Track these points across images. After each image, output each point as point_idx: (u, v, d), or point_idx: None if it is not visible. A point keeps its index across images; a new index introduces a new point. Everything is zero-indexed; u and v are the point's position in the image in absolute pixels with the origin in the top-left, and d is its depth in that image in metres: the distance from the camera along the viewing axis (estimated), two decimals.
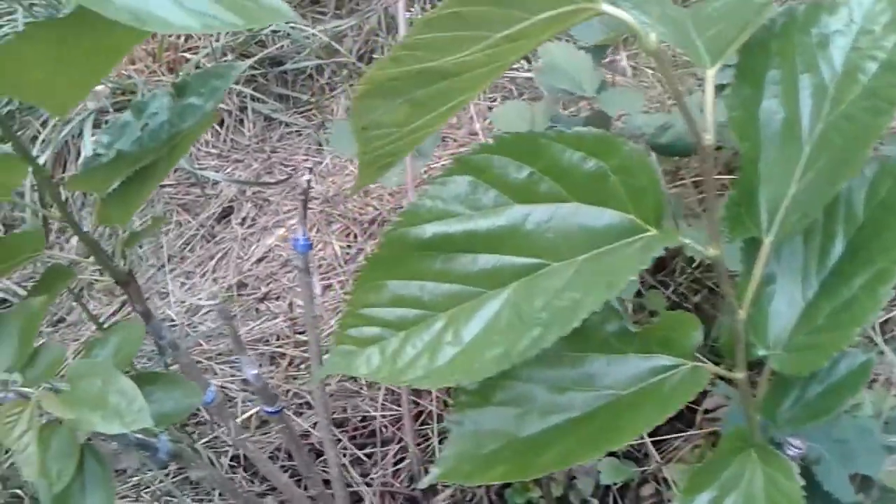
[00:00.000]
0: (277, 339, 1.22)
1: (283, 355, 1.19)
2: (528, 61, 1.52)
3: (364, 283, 0.50)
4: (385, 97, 0.48)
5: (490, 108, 1.45)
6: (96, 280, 1.42)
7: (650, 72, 1.28)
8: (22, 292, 1.39)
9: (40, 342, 0.69)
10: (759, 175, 0.49)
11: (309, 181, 0.86)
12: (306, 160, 1.57)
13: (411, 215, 0.49)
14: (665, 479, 0.88)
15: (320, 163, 1.53)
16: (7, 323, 0.63)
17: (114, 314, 1.34)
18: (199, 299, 1.31)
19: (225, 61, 1.62)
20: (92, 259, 1.37)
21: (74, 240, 1.48)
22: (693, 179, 0.97)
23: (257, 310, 1.29)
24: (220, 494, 0.97)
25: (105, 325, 1.22)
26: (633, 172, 0.45)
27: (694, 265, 0.99)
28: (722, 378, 0.52)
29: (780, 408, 0.52)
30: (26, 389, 0.61)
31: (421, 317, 0.50)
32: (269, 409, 0.69)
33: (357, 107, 0.48)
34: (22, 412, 0.55)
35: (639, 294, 0.94)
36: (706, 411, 0.90)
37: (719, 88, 0.49)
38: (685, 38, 0.50)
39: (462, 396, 0.52)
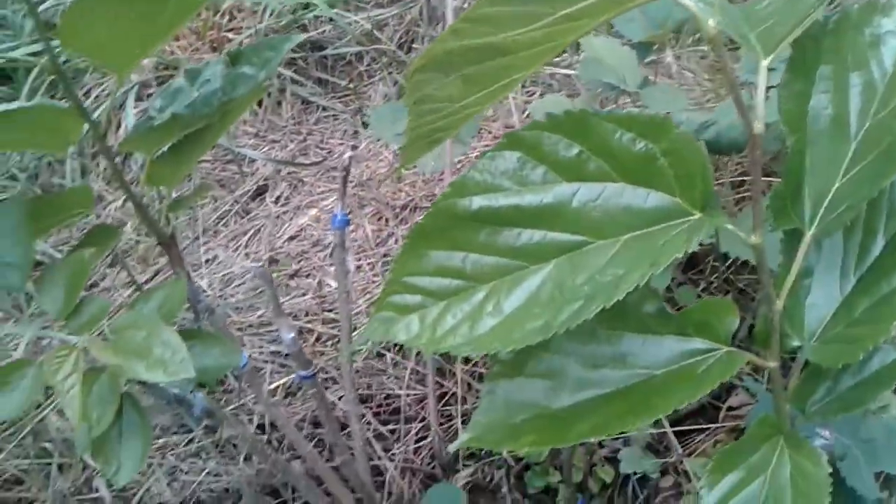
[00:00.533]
0: (306, 315, 1.23)
1: (310, 331, 1.20)
2: (570, 54, 1.52)
3: (408, 252, 0.52)
4: (440, 71, 0.49)
5: (528, 103, 1.46)
6: (131, 248, 1.44)
7: (691, 75, 1.29)
8: (58, 255, 1.42)
9: None
10: (806, 168, 0.49)
11: (351, 157, 0.88)
12: (342, 144, 1.59)
13: (460, 187, 0.50)
14: (685, 472, 0.88)
15: (356, 147, 1.55)
16: (56, 272, 0.65)
17: (147, 282, 1.36)
18: (232, 271, 1.33)
19: None
20: (129, 226, 1.40)
21: (111, 208, 1.51)
22: (731, 179, 0.98)
23: (287, 286, 1.31)
24: (244, 459, 0.99)
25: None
26: (682, 156, 0.46)
27: (727, 264, 1.00)
28: (755, 369, 0.53)
29: (810, 399, 0.53)
30: (71, 337, 0.63)
31: (462, 287, 0.51)
32: (304, 374, 0.71)
33: (413, 80, 0.49)
34: (68, 356, 0.57)
35: (668, 290, 0.94)
36: (730, 408, 0.91)
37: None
38: (739, 29, 0.51)
39: (497, 366, 0.53)
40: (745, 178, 1.00)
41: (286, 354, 1.15)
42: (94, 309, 0.64)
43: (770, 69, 0.49)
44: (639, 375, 0.51)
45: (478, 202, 0.50)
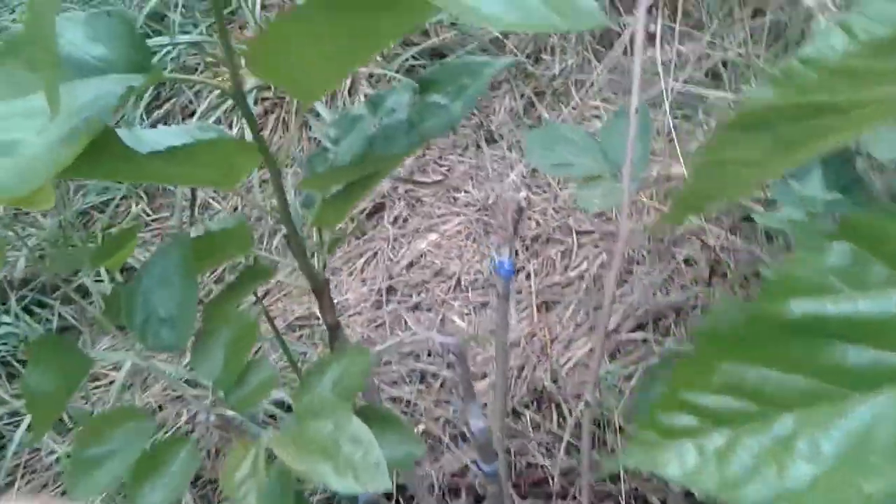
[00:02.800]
0: (429, 356, 1.13)
1: (434, 375, 1.09)
2: None
3: (695, 362, 0.40)
4: (751, 130, 0.39)
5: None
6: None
7: None
8: (215, 287, 1.34)
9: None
10: None
11: (527, 198, 0.76)
12: (462, 161, 1.48)
13: (779, 286, 0.39)
14: None
15: (479, 167, 1.44)
16: (217, 333, 0.55)
17: (254, 302, 1.27)
18: (347, 298, 1.23)
19: (393, 52, 1.54)
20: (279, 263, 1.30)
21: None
22: None
23: (405, 320, 1.20)
24: None
25: (270, 336, 1.15)
26: None
27: None
28: None
29: None
30: (231, 413, 0.53)
31: (758, 413, 0.39)
32: (487, 469, 0.59)
33: (717, 138, 0.39)
34: (247, 453, 0.47)
35: None
36: None
37: None
38: None
39: None
40: None
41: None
42: (261, 377, 0.54)
43: None
44: None
45: (801, 307, 0.38)
